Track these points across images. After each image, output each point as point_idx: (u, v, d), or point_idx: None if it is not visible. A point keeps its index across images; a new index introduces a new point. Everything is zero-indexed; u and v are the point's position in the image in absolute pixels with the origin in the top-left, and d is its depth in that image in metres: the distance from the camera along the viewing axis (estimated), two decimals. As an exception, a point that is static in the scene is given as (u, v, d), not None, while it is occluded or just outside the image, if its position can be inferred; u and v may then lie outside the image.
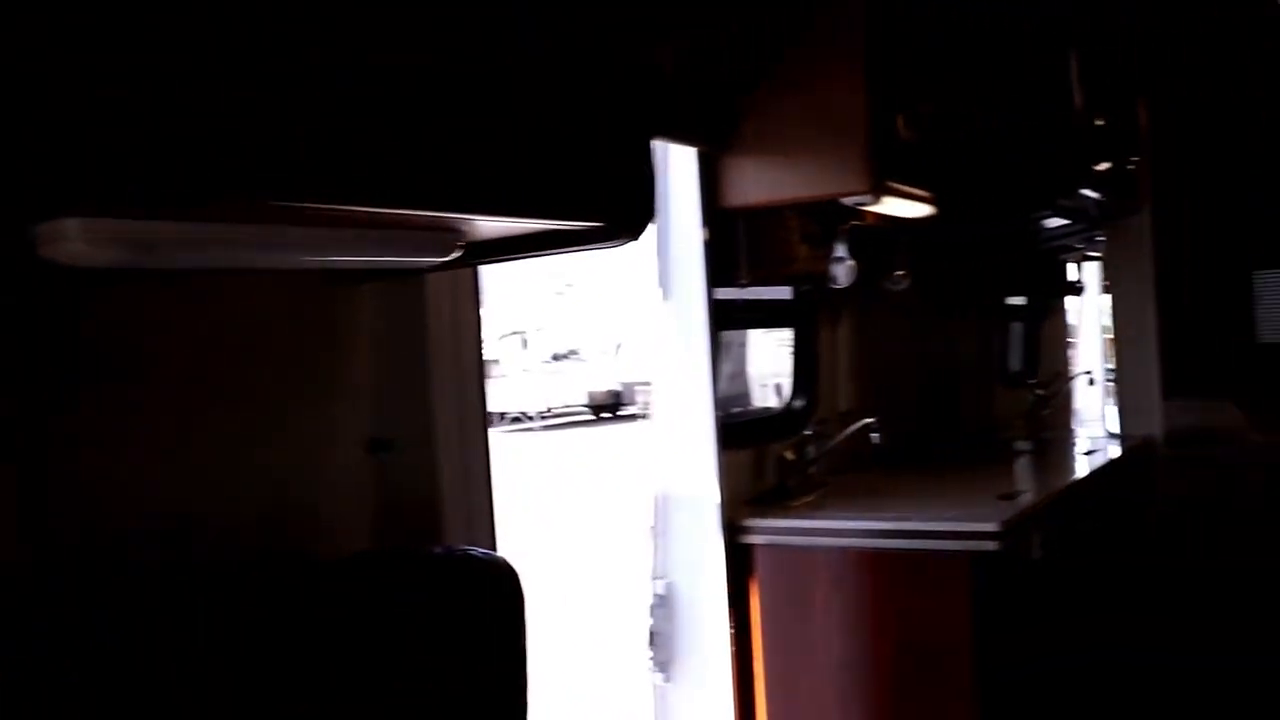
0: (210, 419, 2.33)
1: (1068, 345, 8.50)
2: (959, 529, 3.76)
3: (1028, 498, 4.23)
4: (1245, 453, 7.43)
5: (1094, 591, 5.14)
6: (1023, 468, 5.57)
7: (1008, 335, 7.32)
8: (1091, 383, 7.64)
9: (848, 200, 4.02)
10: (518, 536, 13.60)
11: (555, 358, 38.16)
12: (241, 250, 1.80)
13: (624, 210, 2.31)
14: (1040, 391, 7.52)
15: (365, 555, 2.56)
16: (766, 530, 4.10)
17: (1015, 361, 7.57)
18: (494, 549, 3.07)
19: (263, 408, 2.46)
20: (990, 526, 3.70)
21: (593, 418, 34.20)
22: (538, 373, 35.89)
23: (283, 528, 2.48)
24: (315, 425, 2.61)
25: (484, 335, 3.20)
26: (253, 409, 2.44)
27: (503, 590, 2.52)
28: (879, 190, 3.85)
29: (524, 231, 2.35)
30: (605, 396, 33.66)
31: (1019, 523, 3.87)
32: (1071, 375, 7.99)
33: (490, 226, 2.23)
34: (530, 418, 34.07)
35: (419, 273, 2.72)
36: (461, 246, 2.21)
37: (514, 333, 36.97)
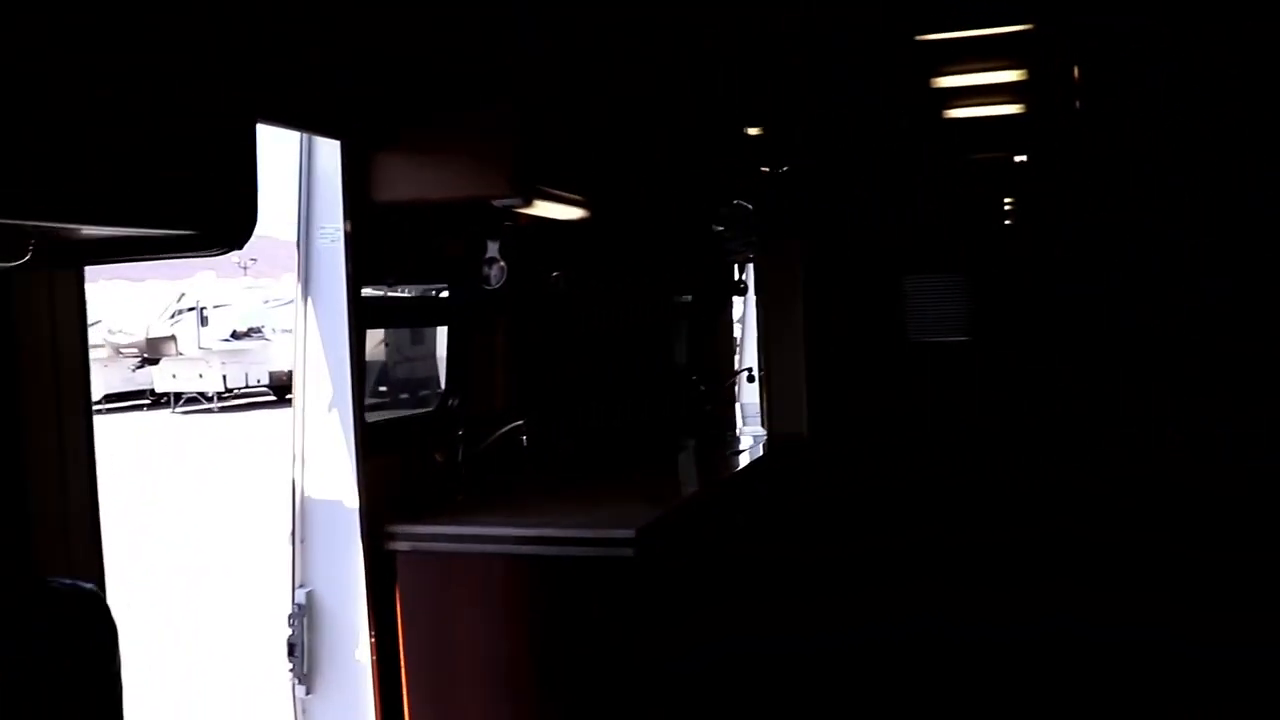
0: None
1: (732, 343, 8.81)
2: (596, 536, 3.79)
3: (671, 501, 4.32)
4: (871, 450, 7.95)
5: (737, 583, 5.32)
6: (677, 466, 5.71)
7: (674, 333, 7.49)
8: (751, 379, 7.94)
9: (498, 202, 3.97)
10: (158, 533, 12.77)
11: (236, 335, 36.51)
12: None
13: (220, 217, 2.16)
14: (703, 387, 7.77)
15: None
16: (410, 537, 4.00)
17: (681, 358, 7.76)
18: (100, 572, 2.83)
19: None
20: (626, 533, 3.75)
21: (275, 399, 32.95)
22: (217, 351, 34.21)
23: None
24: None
25: (89, 339, 2.93)
26: None
27: (88, 625, 2.32)
28: (526, 194, 3.83)
29: (108, 236, 2.16)
30: (289, 377, 32.45)
31: (656, 528, 3.93)
32: (735, 372, 8.28)
33: (66, 230, 2.03)
34: (208, 398, 32.51)
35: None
36: (33, 248, 2.00)
37: (191, 309, 35.07)
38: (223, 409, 32.14)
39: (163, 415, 31.14)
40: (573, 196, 4.28)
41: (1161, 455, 8.31)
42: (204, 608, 9.89)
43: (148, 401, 32.75)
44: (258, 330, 36.15)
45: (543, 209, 4.35)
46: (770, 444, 6.05)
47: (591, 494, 4.55)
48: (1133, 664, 6.05)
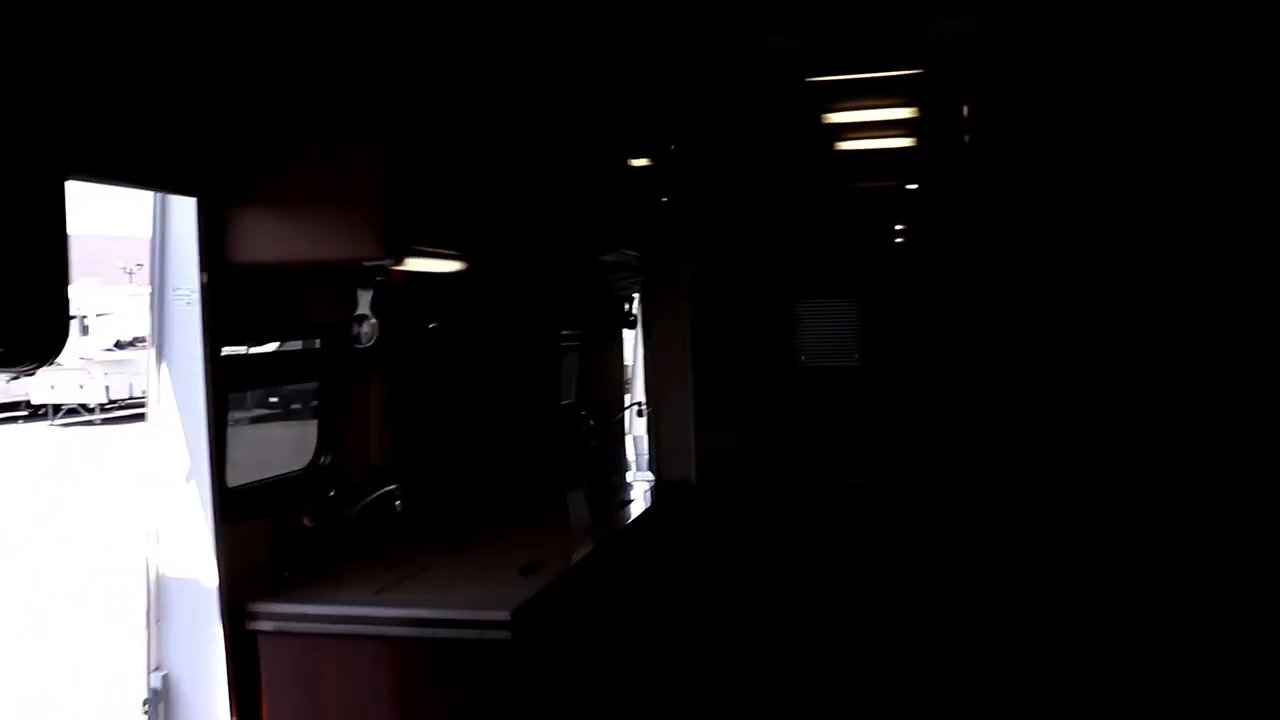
0: None
1: (623, 377, 8.63)
2: (471, 618, 3.59)
3: (551, 571, 4.12)
4: (768, 492, 7.85)
5: (622, 640, 5.15)
6: (561, 524, 5.51)
7: (561, 371, 7.30)
8: (641, 414, 7.78)
9: (369, 263, 3.75)
10: (14, 545, 11.86)
11: (120, 345, 35.44)
12: None
13: (26, 332, 1.93)
14: (593, 422, 7.60)
15: None
16: (274, 616, 3.76)
17: (570, 394, 7.58)
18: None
19: None
20: (502, 615, 3.56)
21: (160, 411, 31.87)
22: (99, 361, 33.12)
23: None
24: None
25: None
26: None
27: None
28: (399, 253, 3.61)
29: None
30: (174, 389, 31.40)
31: (533, 606, 3.75)
32: (624, 406, 8.12)
33: None
34: (89, 410, 31.43)
35: None
36: None
37: (70, 317, 33.79)
38: (105, 420, 31.11)
39: (40, 427, 30.04)
40: (449, 252, 4.09)
41: (1145, 461, 8.34)
42: (57, 628, 9.37)
43: (24, 413, 31.55)
44: (143, 340, 35.07)
45: (417, 265, 4.15)
46: (659, 491, 5.84)
47: (469, 563, 4.33)
48: (1116, 669, 6.04)
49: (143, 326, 34.73)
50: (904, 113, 7.06)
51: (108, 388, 31.99)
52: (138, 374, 33.16)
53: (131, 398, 32.86)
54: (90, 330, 34.94)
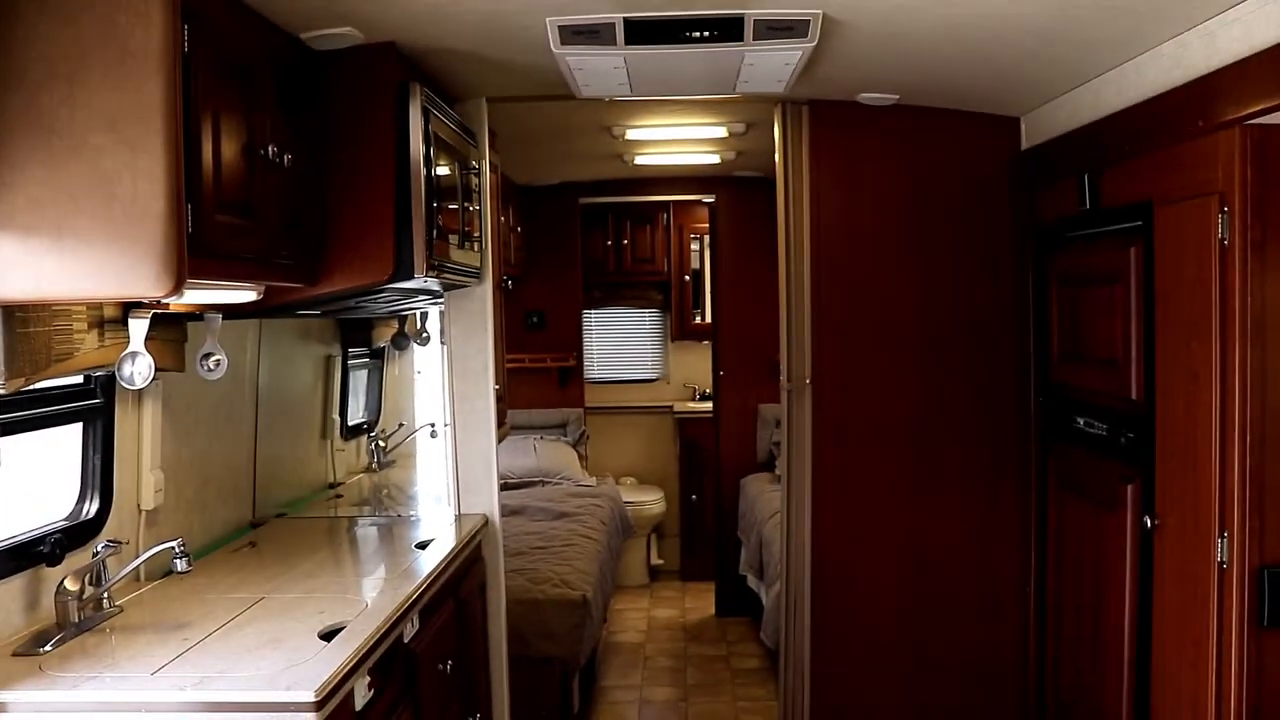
0: None
1: (413, 394, 8.20)
2: (269, 700, 3.16)
3: (355, 631, 3.70)
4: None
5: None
6: (359, 564, 5.09)
7: (348, 386, 6.86)
8: (434, 435, 7.38)
9: (145, 298, 3.23)
10: None
11: None
12: None
13: None
14: (381, 443, 7.20)
15: None
16: (29, 707, 3.23)
17: (357, 412, 7.15)
18: None
19: None
20: (304, 696, 3.15)
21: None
22: None
23: None
24: None
25: None
26: None
27: None
28: (180, 285, 3.09)
29: None
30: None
31: (344, 679, 3.36)
32: (415, 427, 7.72)
33: None
34: None
35: None
36: None
37: None
38: None
39: None
40: (244, 285, 3.65)
41: None
42: None
43: None
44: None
45: (203, 296, 3.70)
46: (458, 536, 5.34)
47: (263, 618, 3.86)
48: None
49: None
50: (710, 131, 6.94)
51: None
52: None
53: None
54: None
